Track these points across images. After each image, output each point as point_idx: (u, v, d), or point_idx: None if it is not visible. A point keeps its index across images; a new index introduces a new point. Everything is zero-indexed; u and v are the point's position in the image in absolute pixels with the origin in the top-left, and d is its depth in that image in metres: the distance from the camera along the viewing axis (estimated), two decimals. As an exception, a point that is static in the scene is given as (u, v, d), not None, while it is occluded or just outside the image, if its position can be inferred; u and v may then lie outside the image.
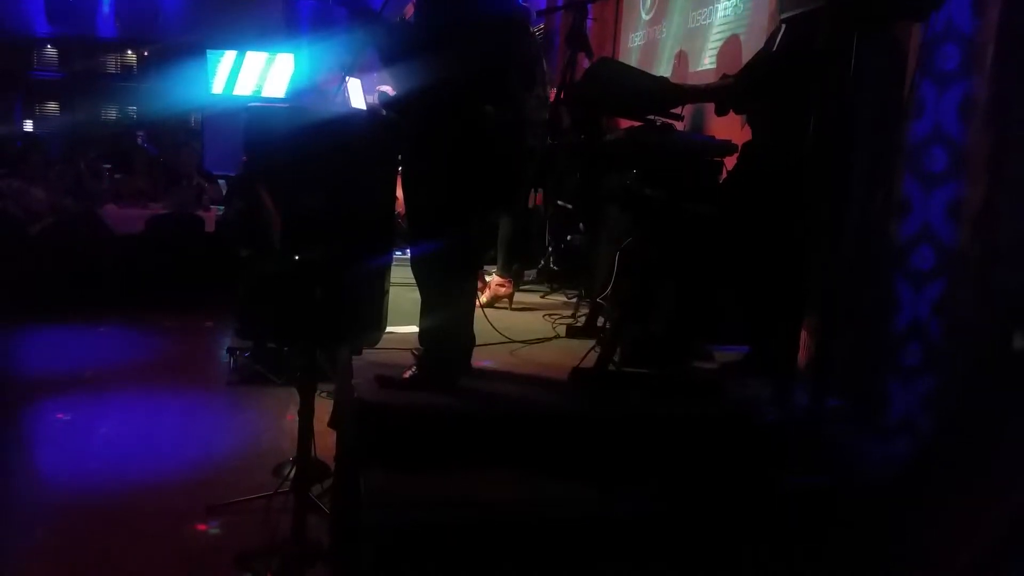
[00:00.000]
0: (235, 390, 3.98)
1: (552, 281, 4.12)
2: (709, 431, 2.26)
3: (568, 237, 4.14)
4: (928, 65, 2.32)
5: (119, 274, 5.51)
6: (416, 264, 2.41)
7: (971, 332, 2.25)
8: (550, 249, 4.19)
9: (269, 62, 7.68)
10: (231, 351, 4.24)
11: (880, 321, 2.37)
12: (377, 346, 2.12)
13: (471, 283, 2.54)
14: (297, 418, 2.15)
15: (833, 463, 2.15)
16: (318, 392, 2.30)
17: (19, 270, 5.13)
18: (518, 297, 3.68)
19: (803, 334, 2.44)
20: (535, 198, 4.48)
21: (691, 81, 3.98)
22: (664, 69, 4.40)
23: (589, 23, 3.65)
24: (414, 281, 2.42)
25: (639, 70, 3.11)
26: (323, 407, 2.62)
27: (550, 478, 2.08)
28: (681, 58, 4.32)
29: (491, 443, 2.16)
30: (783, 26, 2.48)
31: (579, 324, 3.18)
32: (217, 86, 7.79)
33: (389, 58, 2.47)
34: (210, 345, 4.84)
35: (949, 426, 2.21)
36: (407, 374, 2.34)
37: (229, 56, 7.73)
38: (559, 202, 4.18)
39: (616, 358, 2.52)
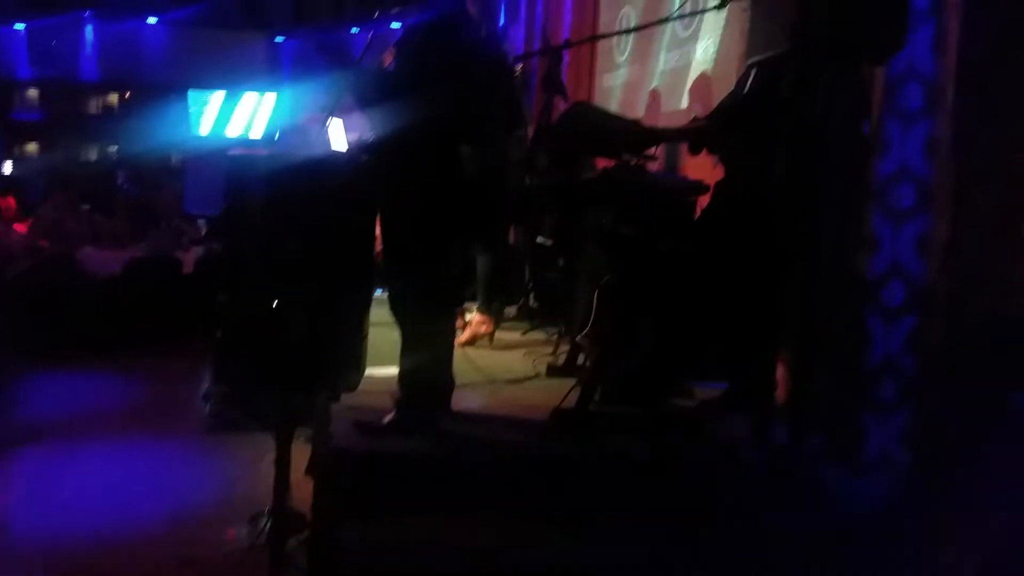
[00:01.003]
0: (211, 436, 3.91)
1: (532, 318, 4.13)
2: (689, 472, 2.26)
3: (547, 274, 4.16)
4: (892, 104, 2.40)
5: (95, 318, 5.43)
6: (394, 304, 2.41)
7: (944, 365, 2.28)
8: (530, 286, 4.21)
9: (255, 104, 7.73)
10: (207, 396, 4.17)
11: (854, 357, 2.39)
12: (357, 388, 2.11)
13: (449, 322, 2.54)
14: (273, 467, 2.12)
15: (812, 500, 2.15)
16: (296, 437, 2.27)
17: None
18: (499, 335, 3.68)
19: (781, 370, 2.46)
20: (514, 235, 4.51)
21: (664, 120, 4.06)
22: (642, 108, 4.49)
23: (564, 67, 3.72)
24: (394, 320, 2.42)
25: (613, 113, 3.17)
26: (301, 454, 2.57)
27: (531, 522, 2.06)
28: (655, 97, 4.42)
29: (471, 488, 2.14)
30: (753, 69, 2.55)
31: (559, 363, 3.18)
32: (204, 127, 7.81)
33: (367, 103, 2.50)
34: (186, 390, 4.75)
35: (925, 460, 2.22)
36: (386, 419, 2.32)
37: (217, 97, 7.77)
38: (538, 239, 4.21)
39: (596, 396, 2.52)
